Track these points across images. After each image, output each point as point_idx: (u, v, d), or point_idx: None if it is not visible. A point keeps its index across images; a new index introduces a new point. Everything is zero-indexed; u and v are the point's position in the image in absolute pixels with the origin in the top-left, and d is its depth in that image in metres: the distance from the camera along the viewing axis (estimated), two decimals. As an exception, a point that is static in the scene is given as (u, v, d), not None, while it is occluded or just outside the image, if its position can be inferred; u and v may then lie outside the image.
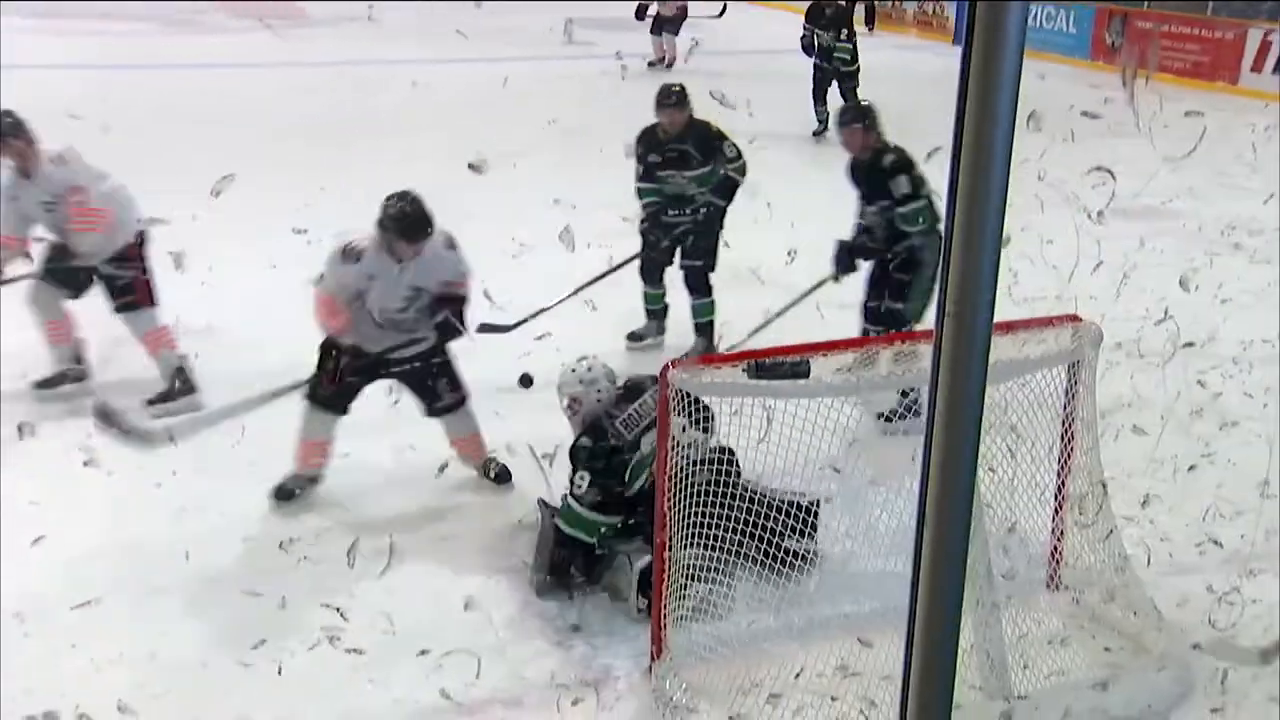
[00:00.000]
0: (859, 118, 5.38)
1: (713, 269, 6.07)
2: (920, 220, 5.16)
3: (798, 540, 3.63)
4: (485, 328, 5.62)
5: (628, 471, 3.94)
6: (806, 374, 3.37)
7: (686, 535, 3.53)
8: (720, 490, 3.53)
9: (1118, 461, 4.48)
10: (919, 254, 5.24)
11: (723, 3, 14.98)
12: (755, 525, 3.54)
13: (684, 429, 3.48)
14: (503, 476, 4.70)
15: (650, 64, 14.32)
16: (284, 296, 5.81)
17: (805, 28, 10.95)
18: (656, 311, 6.27)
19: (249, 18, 15.10)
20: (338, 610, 3.71)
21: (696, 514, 3.52)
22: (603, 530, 3.93)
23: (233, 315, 6.22)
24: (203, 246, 5.61)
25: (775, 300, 5.85)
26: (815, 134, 11.05)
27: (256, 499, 4.47)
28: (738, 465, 3.75)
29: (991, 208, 0.85)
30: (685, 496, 3.50)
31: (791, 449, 3.36)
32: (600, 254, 6.26)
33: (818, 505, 3.82)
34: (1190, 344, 5.33)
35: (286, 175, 8.16)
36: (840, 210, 5.75)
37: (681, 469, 3.50)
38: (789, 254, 6.11)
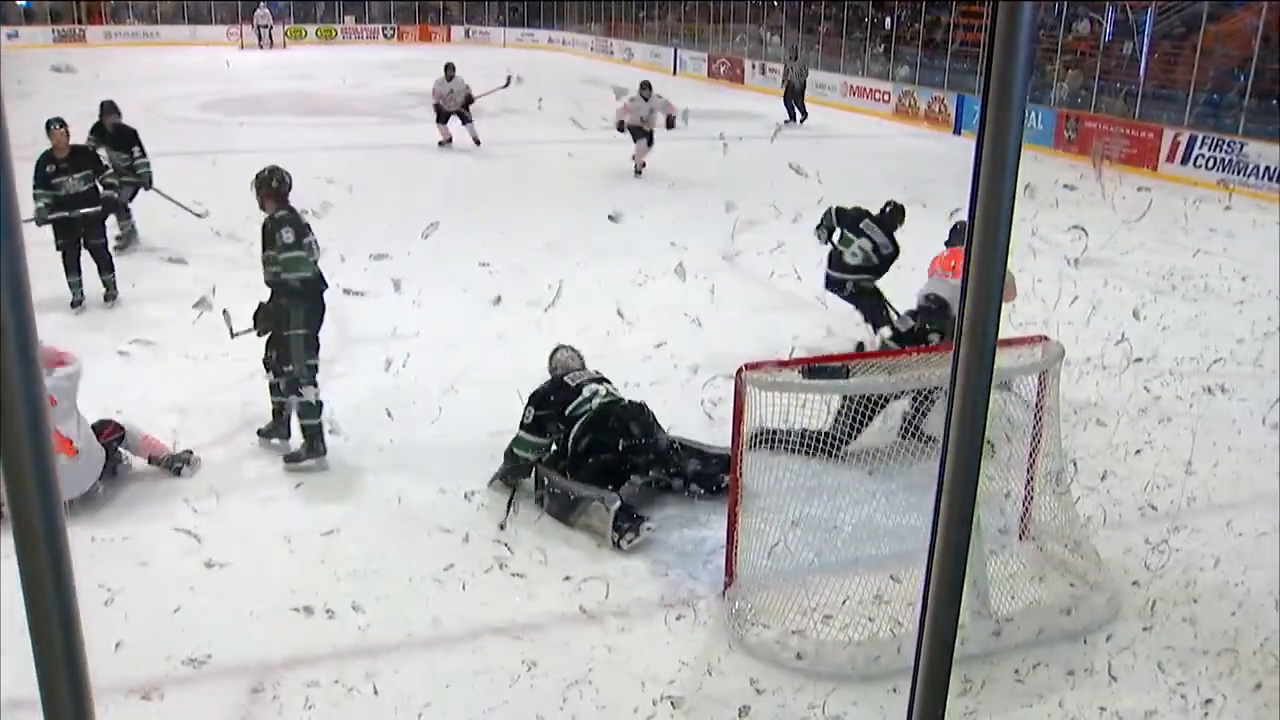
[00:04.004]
0: None
1: None
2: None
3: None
4: None
5: (568, 408, 5.28)
6: (846, 376, 4.43)
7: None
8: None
9: (1085, 446, 5.82)
10: None
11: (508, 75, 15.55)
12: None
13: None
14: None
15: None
16: (473, 312, 7.90)
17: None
18: None
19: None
20: (505, 545, 4.90)
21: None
22: (538, 452, 5.28)
23: (437, 324, 7.88)
24: (413, 275, 7.24)
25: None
26: None
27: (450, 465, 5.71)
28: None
29: (998, 255, 1.01)
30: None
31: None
32: (704, 284, 8.12)
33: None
34: (1139, 359, 6.87)
35: (474, 224, 11.04)
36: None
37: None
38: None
